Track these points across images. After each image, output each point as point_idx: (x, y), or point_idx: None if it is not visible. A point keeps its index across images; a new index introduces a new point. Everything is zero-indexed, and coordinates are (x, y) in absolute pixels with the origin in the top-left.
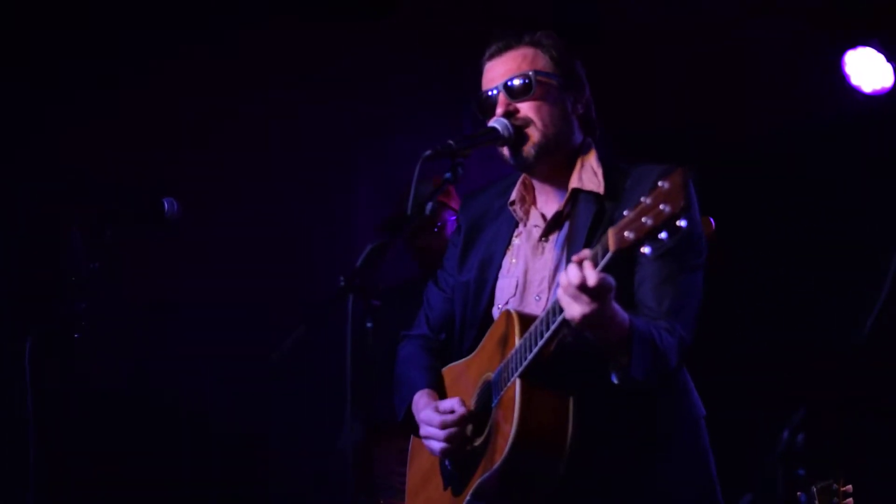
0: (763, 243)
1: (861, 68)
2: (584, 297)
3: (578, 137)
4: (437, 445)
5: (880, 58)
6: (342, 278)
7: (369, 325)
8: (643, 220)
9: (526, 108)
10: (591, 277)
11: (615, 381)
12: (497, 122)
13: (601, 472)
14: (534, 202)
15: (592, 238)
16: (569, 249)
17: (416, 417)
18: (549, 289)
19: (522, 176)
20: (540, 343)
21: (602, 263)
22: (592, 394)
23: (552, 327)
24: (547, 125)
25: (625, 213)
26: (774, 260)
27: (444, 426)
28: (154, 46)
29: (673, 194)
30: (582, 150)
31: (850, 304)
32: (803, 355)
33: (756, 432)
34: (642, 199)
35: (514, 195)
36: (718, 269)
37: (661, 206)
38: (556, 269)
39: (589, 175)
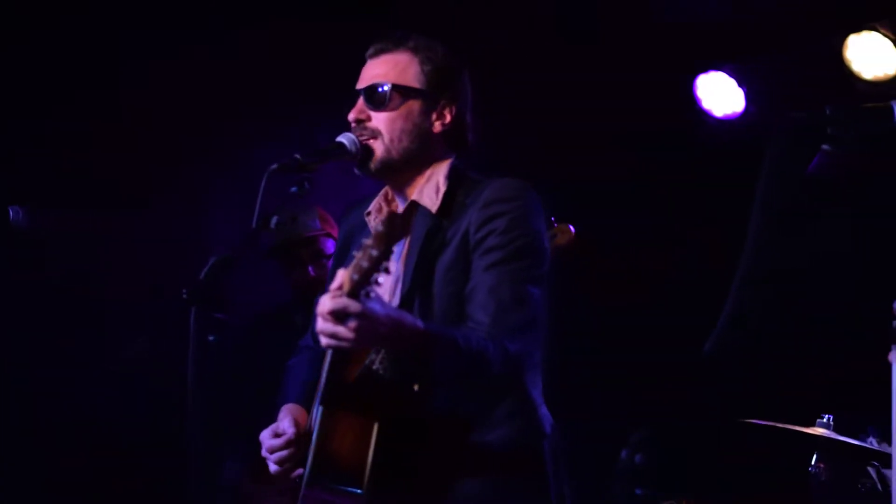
0: (614, 263)
1: (712, 92)
2: (332, 323)
3: (436, 152)
4: (271, 467)
5: (731, 82)
6: (185, 291)
7: (211, 338)
8: (362, 262)
9: (378, 119)
10: (331, 305)
11: (416, 388)
12: (345, 136)
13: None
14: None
15: (425, 255)
16: (406, 264)
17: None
18: (391, 302)
19: (386, 186)
20: (325, 368)
21: (344, 293)
22: (409, 418)
23: (328, 354)
24: (394, 140)
25: (354, 252)
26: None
27: (271, 450)
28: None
29: (379, 238)
30: (436, 165)
31: (698, 324)
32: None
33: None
34: (364, 240)
35: (371, 206)
36: (581, 276)
37: (372, 251)
38: (398, 283)
39: (430, 191)
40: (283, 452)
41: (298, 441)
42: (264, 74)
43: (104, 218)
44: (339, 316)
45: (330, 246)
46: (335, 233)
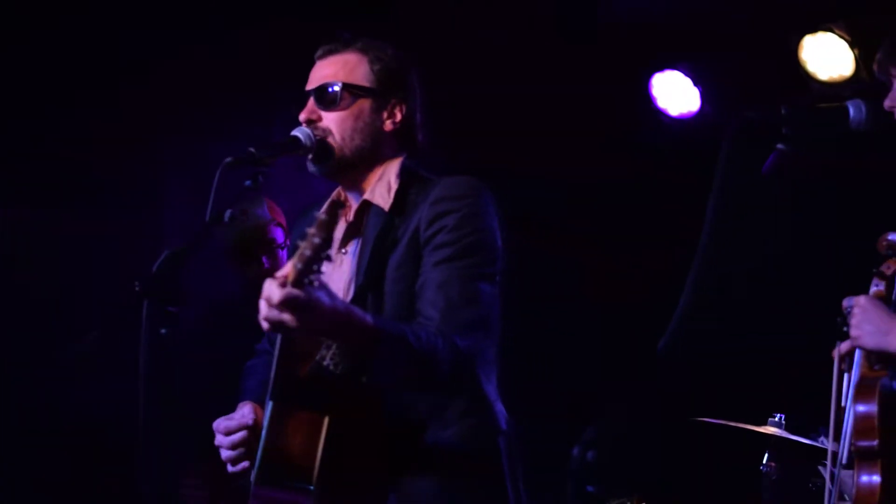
0: (567, 261)
1: (668, 91)
2: (278, 311)
3: (387, 151)
4: (224, 453)
5: (687, 81)
6: (138, 284)
7: (163, 331)
8: (305, 251)
9: (329, 119)
10: (275, 294)
11: (363, 381)
12: (300, 131)
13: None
14: (345, 212)
15: (377, 254)
16: (359, 262)
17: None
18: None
19: (338, 187)
20: (274, 361)
21: (289, 283)
22: (360, 414)
23: (278, 343)
24: (345, 139)
25: (297, 242)
26: (580, 277)
27: (227, 432)
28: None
29: (322, 226)
30: (387, 163)
31: (651, 322)
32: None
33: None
34: (307, 229)
35: (325, 206)
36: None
37: (314, 238)
38: (351, 281)
39: (382, 189)
40: (237, 435)
41: (253, 428)
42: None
43: (58, 213)
44: (282, 304)
45: (279, 235)
46: (283, 221)
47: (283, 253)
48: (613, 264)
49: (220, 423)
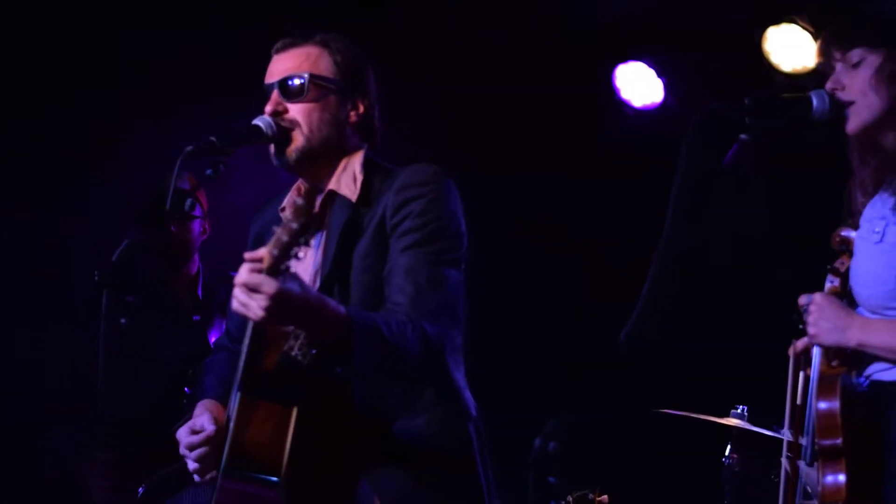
0: (531, 253)
1: (631, 83)
2: (250, 297)
3: (350, 143)
4: (190, 465)
5: (651, 73)
6: (97, 273)
7: (123, 321)
8: (282, 237)
9: (295, 110)
10: (250, 280)
11: (339, 372)
12: (261, 120)
13: (352, 481)
14: None
15: (343, 244)
16: (325, 254)
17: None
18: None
19: (298, 180)
20: (244, 351)
21: (265, 269)
22: (329, 405)
23: (248, 332)
24: (312, 130)
25: (274, 228)
26: (544, 269)
27: (190, 447)
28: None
29: (299, 212)
30: (350, 155)
31: (614, 313)
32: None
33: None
34: (284, 215)
35: (285, 200)
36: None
37: (292, 224)
38: (316, 273)
39: (348, 180)
40: (202, 450)
41: (217, 437)
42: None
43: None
44: (256, 290)
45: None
46: (202, 199)
47: (196, 223)
48: (576, 255)
49: (184, 438)
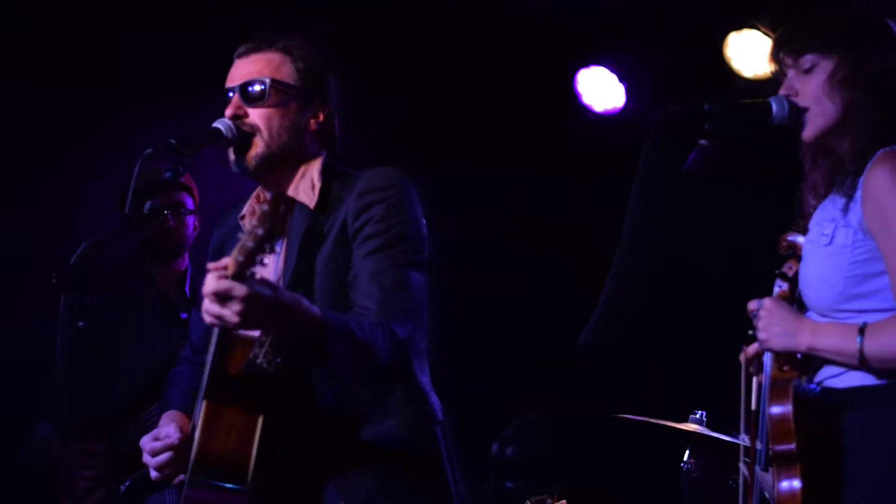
0: (492, 256)
1: (593, 87)
2: (219, 305)
3: (310, 150)
4: (152, 473)
5: (612, 77)
6: (55, 275)
7: (81, 323)
8: (247, 243)
9: (256, 116)
10: (217, 287)
11: (314, 374)
12: (221, 122)
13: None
14: None
15: (305, 251)
16: (286, 261)
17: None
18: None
19: (258, 188)
20: (209, 360)
21: (230, 275)
22: (295, 411)
23: (213, 340)
24: (272, 136)
25: (239, 235)
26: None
27: (153, 453)
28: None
29: (264, 217)
30: (309, 162)
31: (573, 317)
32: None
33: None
34: (251, 221)
35: (245, 209)
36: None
37: (258, 230)
38: (279, 281)
39: (306, 187)
40: (164, 456)
41: (181, 446)
42: None
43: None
44: (223, 297)
45: (188, 201)
46: (194, 191)
47: (191, 219)
48: (536, 258)
49: (147, 444)
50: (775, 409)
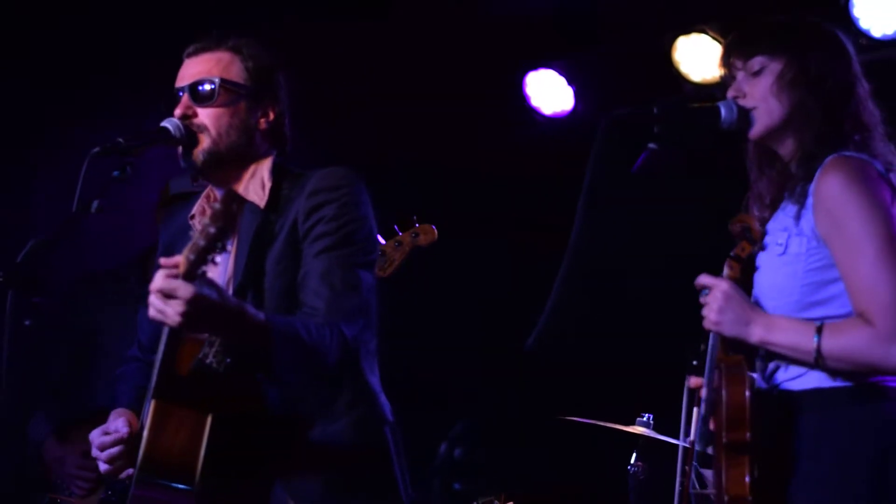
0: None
1: (541, 90)
2: (166, 304)
3: (260, 150)
4: (102, 467)
5: (561, 80)
6: (1, 274)
7: (27, 322)
8: (199, 241)
9: (204, 115)
10: (166, 286)
11: (260, 378)
12: (169, 121)
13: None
14: None
15: (255, 251)
16: (236, 261)
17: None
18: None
19: (208, 186)
20: (158, 358)
21: (181, 275)
22: (244, 412)
23: (163, 339)
24: (221, 135)
25: (191, 233)
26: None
27: (102, 447)
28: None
29: (217, 216)
30: (259, 162)
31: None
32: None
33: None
34: (203, 219)
35: (195, 208)
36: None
37: (210, 228)
38: (229, 280)
39: (256, 186)
40: (114, 450)
41: (130, 440)
42: None
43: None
44: (167, 296)
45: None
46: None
47: None
48: (483, 259)
49: (96, 438)
50: (733, 396)
